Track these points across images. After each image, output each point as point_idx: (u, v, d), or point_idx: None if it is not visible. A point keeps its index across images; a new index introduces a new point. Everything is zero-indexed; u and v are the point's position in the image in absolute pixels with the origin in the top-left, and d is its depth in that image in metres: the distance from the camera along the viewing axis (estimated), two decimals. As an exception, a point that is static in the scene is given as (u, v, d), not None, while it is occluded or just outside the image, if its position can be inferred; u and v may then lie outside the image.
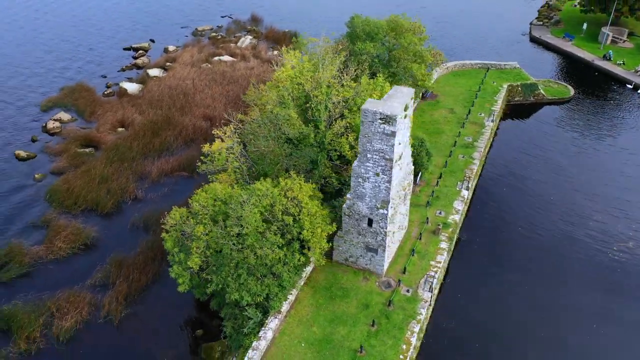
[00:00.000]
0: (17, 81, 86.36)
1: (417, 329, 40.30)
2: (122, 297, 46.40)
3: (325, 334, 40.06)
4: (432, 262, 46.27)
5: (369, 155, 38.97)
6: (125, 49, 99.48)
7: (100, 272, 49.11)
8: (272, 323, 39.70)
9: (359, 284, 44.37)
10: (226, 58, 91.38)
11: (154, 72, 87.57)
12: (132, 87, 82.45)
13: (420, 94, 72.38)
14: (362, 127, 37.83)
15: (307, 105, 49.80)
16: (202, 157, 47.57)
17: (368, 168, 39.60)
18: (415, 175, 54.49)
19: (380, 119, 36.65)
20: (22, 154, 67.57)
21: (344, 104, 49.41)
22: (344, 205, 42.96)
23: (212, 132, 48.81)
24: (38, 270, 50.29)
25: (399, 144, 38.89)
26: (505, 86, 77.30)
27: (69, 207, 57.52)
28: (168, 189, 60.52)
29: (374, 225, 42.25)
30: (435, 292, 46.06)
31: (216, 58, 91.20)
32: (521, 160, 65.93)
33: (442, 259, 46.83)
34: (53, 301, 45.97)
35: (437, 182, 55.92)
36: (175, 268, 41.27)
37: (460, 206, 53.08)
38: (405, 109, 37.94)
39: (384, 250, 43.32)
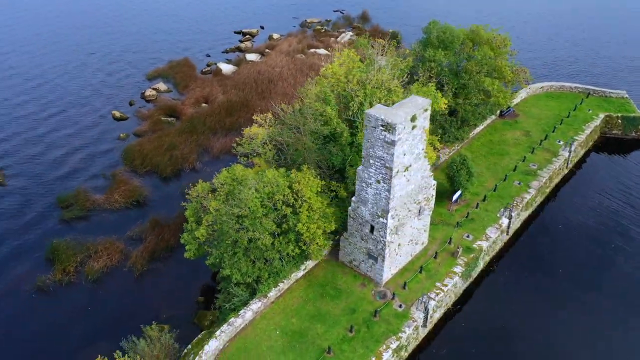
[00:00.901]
0: (137, 51, 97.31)
1: (394, 346, 39.11)
2: (148, 253, 51.11)
3: (302, 327, 40.61)
4: (438, 284, 44.23)
5: (371, 161, 38.48)
6: (235, 32, 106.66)
7: (139, 228, 54.44)
8: (255, 305, 41.22)
9: (355, 288, 44.03)
10: (321, 51, 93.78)
11: (251, 56, 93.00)
12: (227, 68, 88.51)
13: (499, 112, 68.25)
14: (366, 132, 37.48)
15: (350, 104, 50.05)
16: (237, 140, 50.30)
17: (370, 174, 39.09)
18: (453, 193, 52.17)
19: (382, 125, 36.01)
20: (117, 114, 76.48)
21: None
22: (350, 208, 42.84)
23: (253, 116, 51.29)
24: (93, 215, 57.24)
25: (404, 154, 37.83)
26: (601, 116, 69.69)
27: (135, 166, 64.29)
28: (223, 165, 63.93)
29: (374, 232, 41.63)
30: (436, 315, 44.11)
31: (312, 50, 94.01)
32: (595, 200, 59.25)
33: (451, 282, 44.53)
34: (93, 244, 52.15)
35: (478, 204, 52.82)
36: (185, 236, 44.60)
37: (493, 233, 49.72)
38: (413, 119, 36.75)
39: (383, 260, 42.46)
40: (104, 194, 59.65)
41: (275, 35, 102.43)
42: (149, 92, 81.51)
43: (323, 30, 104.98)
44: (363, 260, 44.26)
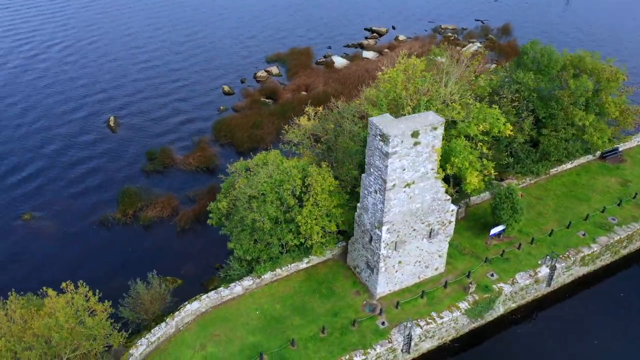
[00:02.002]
0: (268, 35, 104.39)
1: (357, 359, 38.33)
2: (194, 215, 56.30)
3: (281, 315, 41.76)
4: (434, 313, 41.78)
5: (371, 170, 37.76)
6: (365, 29, 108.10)
7: (196, 191, 60.01)
8: (246, 282, 43.42)
9: (349, 293, 43.69)
10: (439, 58, 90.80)
11: (368, 54, 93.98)
12: (339, 62, 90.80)
13: (599, 152, 60.15)
14: (368, 139, 36.86)
15: (401, 112, 49.03)
16: (286, 127, 52.44)
17: (370, 182, 38.37)
18: (494, 227, 48.10)
19: (380, 135, 35.14)
20: (227, 88, 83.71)
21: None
22: (355, 214, 42.46)
23: (304, 108, 52.90)
24: (167, 171, 64.46)
25: (403, 169, 36.42)
26: None
27: (219, 137, 70.36)
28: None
29: (372, 243, 40.82)
30: (425, 345, 41.85)
31: (431, 56, 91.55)
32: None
33: (449, 316, 41.71)
34: (155, 196, 59.00)
35: (521, 245, 48.00)
36: (212, 205, 48.35)
37: (523, 280, 44.98)
38: (415, 135, 35.13)
39: (377, 273, 41.44)
40: (183, 155, 66.54)
41: (402, 37, 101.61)
42: (261, 74, 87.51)
43: (452, 38, 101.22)
44: (363, 269, 43.63)
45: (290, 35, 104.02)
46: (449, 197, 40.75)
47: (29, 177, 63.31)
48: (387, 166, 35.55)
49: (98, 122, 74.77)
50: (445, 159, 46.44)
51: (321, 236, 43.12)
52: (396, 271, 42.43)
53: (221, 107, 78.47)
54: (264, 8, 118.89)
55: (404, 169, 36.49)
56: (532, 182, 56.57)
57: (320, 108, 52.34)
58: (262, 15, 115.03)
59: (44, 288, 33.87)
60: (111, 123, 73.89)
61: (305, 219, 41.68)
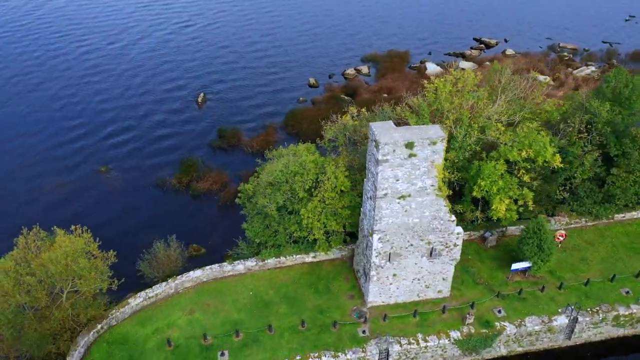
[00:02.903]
0: (369, 34, 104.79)
1: (325, 358, 38.38)
2: (235, 193, 59.32)
3: (271, 300, 43.04)
4: (420, 335, 40.07)
5: (369, 175, 37.28)
6: (474, 38, 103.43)
7: (247, 172, 63.02)
8: (249, 263, 45.36)
9: (343, 295, 43.55)
10: (541, 77, 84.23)
11: (465, 64, 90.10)
12: (432, 69, 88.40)
13: (685, 207, 52.07)
14: (369, 143, 36.40)
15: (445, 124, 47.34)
16: (325, 125, 53.08)
17: (368, 188, 37.88)
18: (518, 261, 44.45)
19: (374, 140, 34.59)
20: (312, 81, 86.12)
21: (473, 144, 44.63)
22: (360, 218, 42.07)
23: (349, 107, 53.01)
24: (230, 150, 68.87)
25: (396, 179, 35.44)
26: None
27: (287, 125, 73.19)
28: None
29: (367, 249, 40.29)
30: (405, 365, 40.44)
31: (530, 74, 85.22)
32: None
33: (435, 342, 39.73)
34: (210, 170, 63.51)
35: (544, 288, 43.76)
36: (243, 185, 50.92)
37: (533, 325, 41.09)
38: (409, 146, 33.96)
39: (368, 281, 40.82)
40: (250, 138, 70.30)
41: (510, 51, 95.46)
42: (350, 71, 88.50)
43: (567, 58, 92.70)
44: (362, 275, 43.20)
45: (393, 36, 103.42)
46: (453, 218, 38.62)
47: (116, 132, 71.93)
48: (378, 173, 34.94)
49: (189, 96, 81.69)
50: (474, 179, 44.10)
51: (323, 233, 43.45)
52: (390, 283, 41.38)
53: (301, 98, 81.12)
54: (377, 5, 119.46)
55: (398, 180, 35.52)
56: (588, 224, 50.83)
57: (365, 109, 52.17)
58: (371, 12, 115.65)
59: (54, 227, 38.92)
60: (199, 99, 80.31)
61: (308, 212, 42.34)
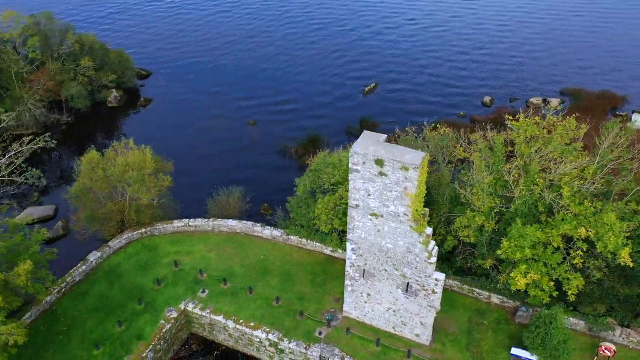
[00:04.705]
0: (585, 64, 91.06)
1: (273, 337, 40.00)
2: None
3: (271, 270, 45.89)
4: (367, 364, 38.04)
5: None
6: None
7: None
8: (276, 232, 48.82)
9: (332, 295, 43.56)
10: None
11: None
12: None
13: None
14: (361, 151, 35.51)
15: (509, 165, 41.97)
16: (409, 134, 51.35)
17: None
18: (522, 348, 37.31)
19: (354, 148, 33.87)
20: (487, 100, 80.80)
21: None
22: (362, 226, 41.10)
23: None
24: (357, 139, 71.12)
25: (368, 194, 33.99)
26: None
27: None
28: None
29: (350, 258, 39.62)
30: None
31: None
32: None
33: (377, 377, 37.31)
34: (331, 149, 67.64)
35: (542, 392, 35.84)
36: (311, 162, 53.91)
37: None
38: (379, 163, 32.11)
39: (345, 290, 40.22)
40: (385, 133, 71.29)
41: None
42: (535, 100, 79.51)
43: None
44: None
45: (614, 72, 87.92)
46: (433, 260, 34.91)
47: (284, 100, 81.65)
48: (350, 181, 34.33)
49: (358, 86, 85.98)
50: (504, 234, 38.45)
51: (332, 229, 43.81)
52: (365, 302, 39.91)
53: (461, 113, 77.42)
54: (604, 35, 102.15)
55: (370, 195, 34.12)
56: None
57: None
58: (599, 42, 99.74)
59: (130, 142, 49.00)
60: (371, 88, 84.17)
61: (323, 204, 43.32)
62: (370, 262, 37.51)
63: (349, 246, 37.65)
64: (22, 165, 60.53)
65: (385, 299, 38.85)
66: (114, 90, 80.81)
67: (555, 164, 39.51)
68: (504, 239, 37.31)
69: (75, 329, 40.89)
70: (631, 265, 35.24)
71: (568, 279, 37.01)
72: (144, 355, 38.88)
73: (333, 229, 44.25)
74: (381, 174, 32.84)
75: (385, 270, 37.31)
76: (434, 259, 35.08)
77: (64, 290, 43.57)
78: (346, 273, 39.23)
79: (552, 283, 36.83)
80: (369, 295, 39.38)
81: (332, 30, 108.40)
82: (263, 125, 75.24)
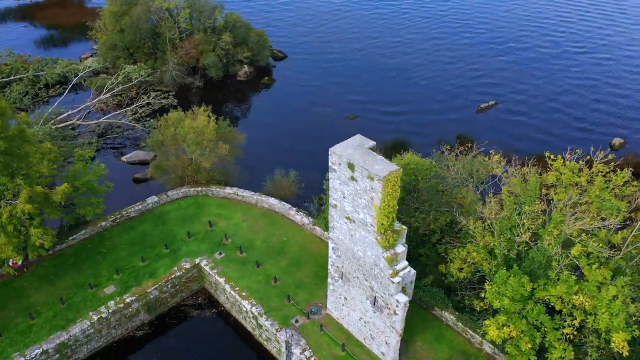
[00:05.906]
0: None
1: (258, 309, 42.33)
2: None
3: (285, 252, 47.90)
4: (323, 363, 38.22)
5: (347, 184, 36.43)
6: None
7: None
8: (305, 219, 50.50)
9: (325, 288, 44.03)
10: None
11: None
12: None
13: None
14: (353, 154, 35.27)
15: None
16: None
17: (345, 197, 37.05)
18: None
19: (339, 148, 33.92)
20: (617, 142, 70.16)
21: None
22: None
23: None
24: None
25: (343, 196, 33.92)
26: None
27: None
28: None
29: (338, 258, 39.76)
30: (304, 377, 39.80)
31: None
32: None
33: (326, 379, 37.31)
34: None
35: None
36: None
37: None
38: (350, 167, 31.79)
39: (328, 289, 40.57)
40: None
41: None
42: (616, 142, 67.20)
43: None
44: (345, 285, 42.52)
45: None
46: (397, 279, 33.49)
47: (395, 101, 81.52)
48: (330, 179, 34.66)
49: (475, 102, 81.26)
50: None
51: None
52: (342, 305, 39.81)
53: (577, 150, 68.43)
54: None
55: (345, 197, 34.04)
56: None
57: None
58: None
59: (198, 109, 54.41)
60: (488, 106, 79.30)
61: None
62: (347, 266, 37.38)
63: (330, 244, 37.97)
64: (144, 114, 71.76)
65: (357, 307, 38.38)
66: (245, 65, 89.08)
67: (574, 214, 34.28)
68: (487, 283, 34.00)
69: (111, 253, 48.19)
70: (625, 354, 29.48)
71: (554, 347, 32.33)
72: (148, 290, 44.45)
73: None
74: (352, 178, 32.65)
75: (357, 278, 36.87)
76: (398, 279, 33.70)
77: (117, 220, 51.36)
78: (329, 271, 39.59)
79: (530, 346, 32.52)
80: (345, 299, 39.24)
81: (478, 42, 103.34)
82: (361, 121, 76.25)
